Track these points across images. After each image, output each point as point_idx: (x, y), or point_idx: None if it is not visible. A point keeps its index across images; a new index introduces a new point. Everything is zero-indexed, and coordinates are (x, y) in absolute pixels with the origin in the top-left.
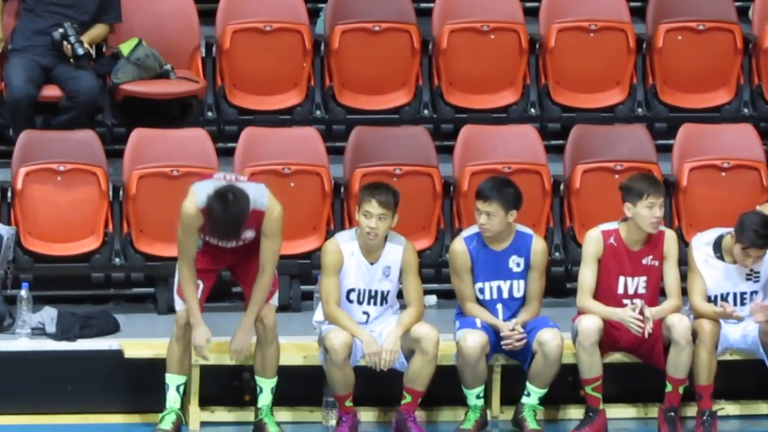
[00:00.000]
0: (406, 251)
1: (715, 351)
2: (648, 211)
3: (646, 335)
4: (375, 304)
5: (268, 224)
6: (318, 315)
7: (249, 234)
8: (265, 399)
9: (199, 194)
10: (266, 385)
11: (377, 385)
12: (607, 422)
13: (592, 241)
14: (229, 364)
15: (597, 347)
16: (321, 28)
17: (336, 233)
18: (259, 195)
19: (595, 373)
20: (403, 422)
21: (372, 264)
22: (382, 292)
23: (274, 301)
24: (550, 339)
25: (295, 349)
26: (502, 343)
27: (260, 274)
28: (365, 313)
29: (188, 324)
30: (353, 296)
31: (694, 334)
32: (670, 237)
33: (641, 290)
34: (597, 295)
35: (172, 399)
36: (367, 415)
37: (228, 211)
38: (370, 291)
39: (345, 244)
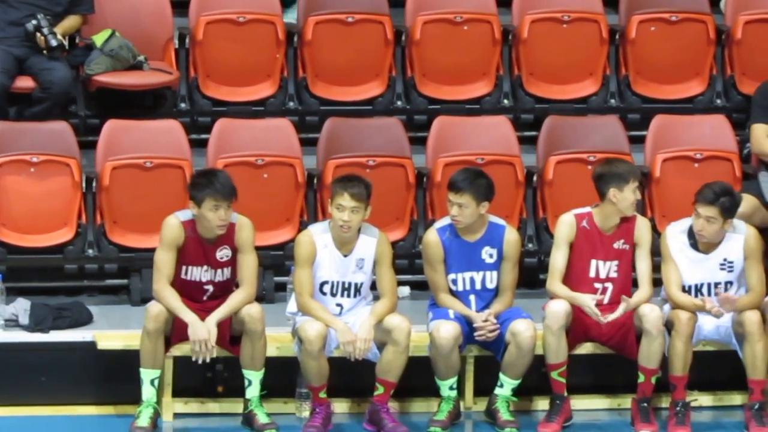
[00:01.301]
0: (380, 243)
1: (691, 341)
2: (633, 195)
3: (604, 321)
4: (348, 296)
5: (242, 237)
6: (292, 306)
7: (225, 252)
8: (253, 391)
9: (180, 213)
10: (255, 377)
11: (351, 376)
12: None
13: (564, 225)
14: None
15: (564, 332)
16: (294, 18)
17: (310, 225)
18: None
19: (561, 357)
20: (377, 413)
21: (345, 256)
22: (356, 284)
23: None
24: (523, 330)
25: (269, 340)
26: (475, 334)
27: (241, 289)
28: (338, 305)
29: (159, 317)
30: (327, 288)
31: (670, 325)
32: (642, 223)
33: (613, 274)
34: (569, 279)
35: (148, 393)
36: (340, 406)
37: (218, 171)
38: (343, 283)
39: (318, 236)
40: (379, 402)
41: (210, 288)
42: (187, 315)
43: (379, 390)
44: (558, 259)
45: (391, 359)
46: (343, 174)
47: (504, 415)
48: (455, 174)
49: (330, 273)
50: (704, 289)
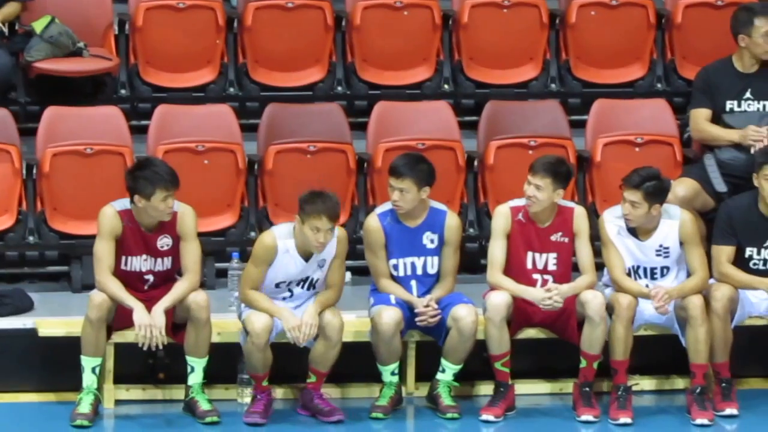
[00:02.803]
0: (340, 243)
1: (631, 326)
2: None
3: (553, 308)
4: (303, 288)
5: (185, 225)
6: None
7: (165, 240)
8: (196, 377)
9: (116, 202)
10: (198, 364)
11: (289, 363)
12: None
13: (500, 217)
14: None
15: (505, 323)
16: (235, 3)
17: (275, 227)
18: None
19: (504, 348)
20: (311, 400)
21: (307, 261)
22: (312, 279)
23: None
24: (464, 315)
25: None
26: (417, 319)
27: (185, 277)
28: (290, 290)
29: (103, 306)
30: (282, 286)
31: (611, 309)
32: (579, 213)
33: (551, 266)
34: (507, 271)
35: (89, 380)
36: (278, 392)
37: (157, 161)
38: (302, 279)
39: (282, 240)
40: (312, 389)
41: (150, 278)
42: (132, 302)
43: (312, 378)
44: (496, 250)
45: (323, 352)
46: (311, 191)
47: (446, 400)
48: (396, 159)
49: (287, 275)
50: (641, 271)
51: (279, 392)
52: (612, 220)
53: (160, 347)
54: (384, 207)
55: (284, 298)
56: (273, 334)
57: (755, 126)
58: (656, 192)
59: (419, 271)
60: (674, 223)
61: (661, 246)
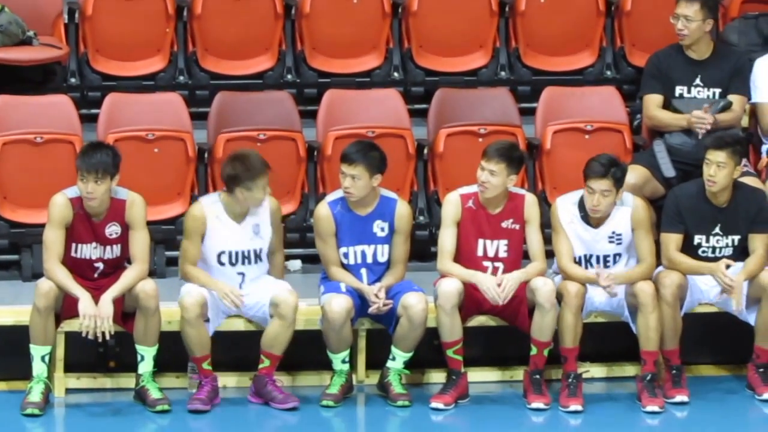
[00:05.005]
0: (275, 210)
1: (580, 313)
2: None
3: (501, 302)
4: (249, 263)
5: (133, 213)
6: None
7: (114, 228)
8: (146, 366)
9: (68, 189)
10: (148, 353)
11: (237, 350)
12: (468, 384)
13: (450, 204)
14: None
15: (457, 310)
16: None
17: (201, 197)
18: (114, 186)
19: (456, 336)
20: (263, 386)
21: (240, 223)
22: (255, 251)
23: None
24: (414, 303)
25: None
26: (370, 309)
27: (134, 266)
28: (240, 273)
29: (50, 294)
30: (224, 258)
31: (560, 296)
32: (530, 201)
33: (502, 253)
34: (458, 258)
35: (39, 369)
36: (230, 380)
37: (101, 145)
38: (243, 252)
39: (209, 207)
40: (265, 374)
41: (100, 265)
42: (78, 291)
43: (265, 363)
44: (446, 238)
45: (277, 333)
46: (235, 151)
47: (396, 388)
48: (348, 146)
49: (225, 243)
50: (593, 260)
51: (232, 381)
52: (566, 207)
53: (108, 337)
54: (334, 195)
55: (240, 286)
56: (219, 319)
57: (700, 112)
58: (622, 177)
59: (369, 260)
60: (627, 209)
61: (613, 233)
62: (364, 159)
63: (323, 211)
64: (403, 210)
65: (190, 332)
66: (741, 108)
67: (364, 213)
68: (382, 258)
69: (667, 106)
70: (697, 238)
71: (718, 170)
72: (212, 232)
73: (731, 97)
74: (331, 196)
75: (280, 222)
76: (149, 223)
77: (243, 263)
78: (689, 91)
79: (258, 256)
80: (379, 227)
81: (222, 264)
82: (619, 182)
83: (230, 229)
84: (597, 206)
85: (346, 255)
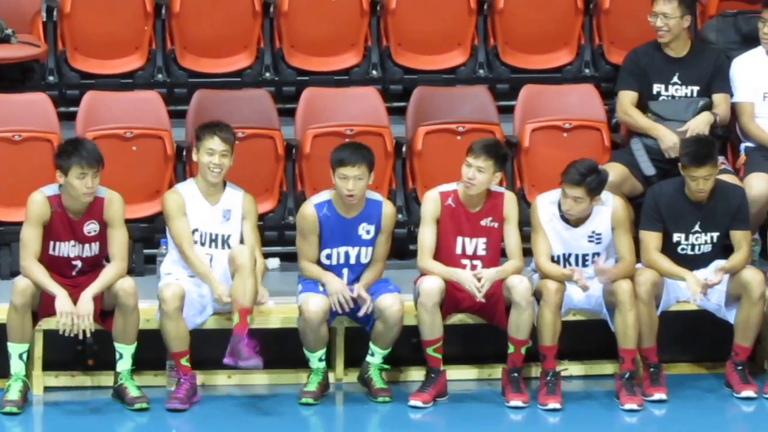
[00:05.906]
0: (247, 200)
1: (559, 311)
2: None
3: (480, 299)
4: (216, 247)
5: (111, 211)
6: (165, 266)
7: (92, 226)
8: (124, 364)
9: (46, 187)
10: (126, 351)
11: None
12: (447, 382)
13: (429, 202)
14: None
15: (438, 308)
16: None
17: (176, 185)
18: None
19: (436, 334)
20: (236, 343)
21: (212, 205)
22: (223, 236)
23: None
24: (389, 305)
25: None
26: (359, 312)
27: (113, 264)
28: (208, 254)
29: (26, 292)
30: (197, 236)
31: (539, 295)
32: (509, 199)
33: (481, 251)
34: (437, 255)
35: (17, 367)
36: (215, 380)
37: (84, 140)
38: (211, 234)
39: (184, 188)
40: (237, 333)
41: (78, 263)
42: (55, 288)
43: (234, 318)
44: (426, 236)
45: (242, 287)
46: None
47: (377, 383)
48: (340, 150)
49: (198, 222)
50: (572, 259)
51: (217, 380)
52: (545, 206)
53: (88, 334)
54: (320, 197)
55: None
56: (208, 312)
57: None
58: (598, 186)
59: (352, 260)
60: (607, 209)
61: (593, 232)
62: (365, 159)
63: (309, 211)
64: (389, 210)
65: (169, 325)
66: (727, 105)
67: (350, 216)
68: (365, 259)
69: (643, 104)
70: (677, 236)
71: (706, 183)
72: (192, 211)
73: (715, 97)
74: (317, 198)
75: (252, 214)
76: (128, 221)
77: (211, 246)
78: (666, 89)
79: (225, 242)
80: (365, 230)
81: (195, 242)
82: (594, 191)
83: (203, 208)
84: (569, 210)
85: (329, 256)
